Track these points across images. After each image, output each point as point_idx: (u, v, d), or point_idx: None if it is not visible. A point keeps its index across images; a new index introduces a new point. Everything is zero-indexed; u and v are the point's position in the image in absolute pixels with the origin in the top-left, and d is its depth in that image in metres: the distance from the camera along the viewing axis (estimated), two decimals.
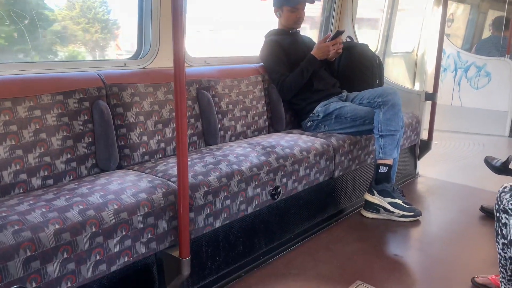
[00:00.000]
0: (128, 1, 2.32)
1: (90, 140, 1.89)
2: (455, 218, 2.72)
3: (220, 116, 2.47)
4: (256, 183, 1.99)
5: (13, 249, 1.23)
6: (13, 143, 1.66)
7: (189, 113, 2.30)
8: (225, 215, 1.86)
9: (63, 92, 1.85)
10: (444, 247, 2.33)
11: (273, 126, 2.82)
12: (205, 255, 1.91)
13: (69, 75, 1.96)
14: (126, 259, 1.52)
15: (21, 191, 1.67)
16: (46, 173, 1.74)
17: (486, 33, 6.09)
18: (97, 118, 1.90)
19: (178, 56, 1.50)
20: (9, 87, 1.72)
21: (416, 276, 2.07)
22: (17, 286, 1.23)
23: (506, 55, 4.91)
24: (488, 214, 2.68)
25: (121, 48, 2.66)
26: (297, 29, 2.98)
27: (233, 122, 2.54)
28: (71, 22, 2.32)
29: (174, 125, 2.15)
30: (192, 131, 2.31)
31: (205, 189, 1.77)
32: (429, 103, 3.42)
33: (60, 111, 1.82)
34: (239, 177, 1.91)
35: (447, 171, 3.70)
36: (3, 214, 1.34)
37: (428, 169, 3.63)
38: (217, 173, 1.86)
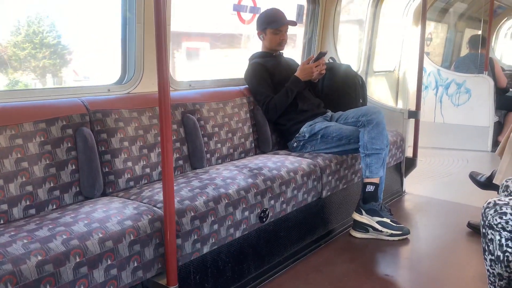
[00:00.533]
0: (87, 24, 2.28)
1: (74, 167, 1.86)
2: (443, 234, 2.74)
3: (206, 139, 2.46)
4: (244, 206, 1.97)
5: None
6: None
7: (174, 137, 2.29)
8: (213, 240, 1.83)
9: (45, 120, 1.82)
10: (434, 264, 2.33)
11: (260, 148, 2.83)
12: (193, 282, 1.87)
13: (51, 102, 1.94)
14: None
15: (2, 222, 1.62)
16: (28, 203, 1.70)
17: (464, 51, 6.27)
18: (81, 145, 1.88)
19: (162, 81, 1.50)
20: None
21: None
22: None
23: (484, 71, 5.05)
24: (475, 230, 2.70)
25: (78, 74, 2.63)
26: (281, 51, 3.02)
27: (219, 145, 2.54)
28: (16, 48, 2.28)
29: (160, 150, 2.14)
30: (177, 155, 2.30)
31: (192, 214, 1.74)
32: (412, 120, 3.47)
33: (42, 139, 1.79)
34: (227, 201, 1.89)
35: (433, 188, 3.74)
36: None
37: (414, 186, 3.66)
38: (204, 197, 1.84)
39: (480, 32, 5.73)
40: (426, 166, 4.37)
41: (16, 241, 1.35)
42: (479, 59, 5.26)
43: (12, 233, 1.41)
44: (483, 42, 5.28)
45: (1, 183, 1.63)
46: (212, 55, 3.80)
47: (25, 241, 1.36)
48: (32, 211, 1.71)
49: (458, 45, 6.92)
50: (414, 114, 3.46)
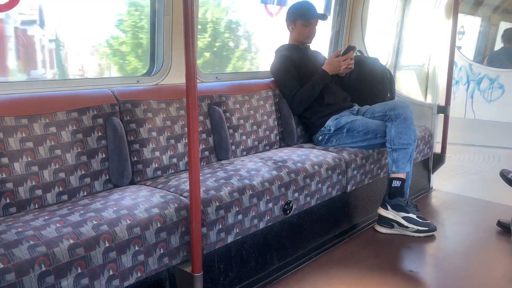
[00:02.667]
0: None
1: (104, 156, 1.92)
2: (471, 233, 2.67)
3: (231, 131, 2.48)
4: (268, 198, 1.98)
5: (28, 264, 1.24)
6: (29, 159, 1.69)
7: (200, 128, 2.32)
8: (237, 230, 1.85)
9: (77, 109, 1.88)
10: (461, 263, 2.28)
11: (284, 141, 2.83)
12: (218, 270, 1.90)
13: (83, 93, 2.00)
14: (139, 275, 1.52)
15: (37, 206, 1.69)
16: (60, 189, 1.77)
17: (498, 45, 6.05)
18: (111, 134, 1.93)
19: (190, 73, 1.53)
20: (26, 105, 1.76)
21: None
22: None
23: None
24: (505, 229, 2.62)
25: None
26: (308, 44, 3.00)
27: (244, 137, 2.55)
28: None
29: (186, 141, 2.18)
30: (203, 146, 2.33)
31: (217, 204, 1.77)
32: (441, 116, 3.39)
33: (74, 128, 1.85)
34: (251, 192, 1.91)
35: (462, 185, 3.64)
36: (19, 229, 1.36)
37: (442, 183, 3.58)
38: (229, 188, 1.86)
39: None
40: (455, 162, 4.26)
41: (50, 225, 1.41)
42: None
43: (46, 217, 1.47)
44: None
45: (36, 169, 1.70)
46: None
47: (58, 225, 1.41)
48: (65, 197, 1.78)
49: (492, 38, 6.67)
50: (443, 109, 3.37)
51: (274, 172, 2.08)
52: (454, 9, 3.32)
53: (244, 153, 2.56)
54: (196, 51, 1.57)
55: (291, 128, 2.82)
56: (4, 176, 1.61)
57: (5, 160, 1.63)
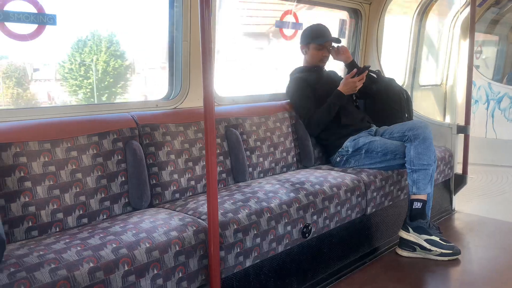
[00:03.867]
0: None
1: (123, 179, 1.94)
2: (497, 256, 2.57)
3: (248, 153, 2.49)
4: (286, 220, 1.96)
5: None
6: (51, 183, 1.72)
7: (218, 151, 2.34)
8: (256, 254, 1.83)
9: (98, 133, 1.92)
10: (488, 287, 2.19)
11: (302, 162, 2.81)
12: None
13: (103, 117, 2.04)
14: None
15: (58, 230, 1.71)
16: (81, 212, 1.79)
17: None
18: (130, 158, 1.96)
19: (207, 96, 1.55)
20: (48, 130, 1.81)
21: None
22: None
23: None
24: None
25: None
26: (323, 66, 3.02)
27: (261, 159, 2.55)
28: None
29: (204, 163, 2.19)
30: (221, 168, 2.34)
31: (235, 226, 1.76)
32: (461, 136, 3.33)
33: (95, 152, 1.88)
34: (269, 215, 1.90)
35: (486, 207, 3.54)
36: (41, 252, 1.38)
37: (464, 204, 3.49)
38: (247, 211, 1.85)
39: None
40: (477, 183, 4.15)
41: (71, 248, 1.42)
42: None
43: (67, 241, 1.49)
44: None
45: (58, 193, 1.73)
46: None
47: (78, 248, 1.42)
48: (85, 220, 1.80)
49: (510, 57, 6.60)
50: (463, 129, 3.32)
51: (292, 195, 2.07)
52: (471, 28, 3.31)
53: (261, 175, 2.55)
54: (213, 75, 1.60)
55: (308, 150, 2.81)
56: (27, 199, 1.65)
57: (28, 184, 1.66)
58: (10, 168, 1.64)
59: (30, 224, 1.64)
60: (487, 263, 2.51)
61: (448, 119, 5.36)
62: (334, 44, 3.02)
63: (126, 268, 1.42)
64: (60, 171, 1.76)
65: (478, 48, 5.96)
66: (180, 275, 1.57)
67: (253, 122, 2.59)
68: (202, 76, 1.55)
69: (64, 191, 1.75)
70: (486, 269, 2.44)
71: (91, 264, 1.36)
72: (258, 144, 2.56)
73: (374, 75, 3.17)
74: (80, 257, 1.38)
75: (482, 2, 5.06)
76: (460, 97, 5.17)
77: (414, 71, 4.51)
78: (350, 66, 3.06)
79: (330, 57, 3.03)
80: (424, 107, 5.09)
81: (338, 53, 3.05)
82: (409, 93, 3.76)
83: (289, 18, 3.27)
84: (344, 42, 3.69)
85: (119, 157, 1.95)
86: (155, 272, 1.50)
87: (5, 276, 1.24)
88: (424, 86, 5.02)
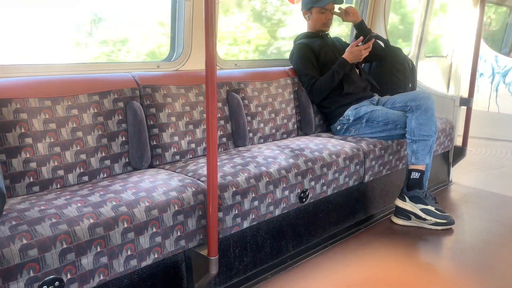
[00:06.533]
0: None
1: (124, 139, 1.95)
2: (490, 227, 2.62)
3: (249, 118, 2.48)
4: (284, 185, 1.99)
5: (50, 241, 1.28)
6: (52, 140, 1.73)
7: (219, 115, 2.33)
8: (253, 216, 1.87)
9: (98, 93, 1.91)
10: (478, 258, 2.25)
11: (302, 129, 2.81)
12: (233, 255, 1.92)
13: (104, 76, 2.02)
14: (156, 256, 1.55)
15: (59, 186, 1.74)
16: (81, 170, 1.81)
17: None
18: (131, 118, 1.96)
19: (209, 59, 1.53)
20: (49, 87, 1.79)
21: (448, 286, 2.01)
22: (53, 276, 1.28)
23: None
24: None
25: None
26: (327, 32, 2.96)
27: (262, 125, 2.55)
28: None
29: (205, 126, 2.19)
30: (221, 133, 2.34)
31: (234, 189, 1.78)
32: (464, 108, 3.32)
33: (95, 111, 1.88)
34: (267, 179, 1.92)
35: (483, 179, 3.57)
36: (42, 207, 1.40)
37: (462, 176, 3.52)
38: (246, 174, 1.87)
39: None
40: (476, 156, 4.17)
41: (71, 204, 1.45)
42: None
43: (68, 197, 1.51)
44: None
45: (59, 150, 1.74)
46: None
47: (79, 204, 1.45)
48: (85, 178, 1.82)
49: None
50: (466, 102, 3.30)
51: (291, 160, 2.08)
52: None
53: (262, 140, 2.56)
54: (216, 38, 1.57)
55: (309, 117, 2.80)
56: (28, 156, 1.66)
57: (29, 140, 1.67)
58: (11, 123, 1.64)
59: (31, 180, 1.66)
60: (480, 234, 2.56)
61: (451, 91, 5.31)
62: (342, 6, 2.96)
63: (126, 225, 1.45)
64: (61, 128, 1.76)
65: (487, 19, 5.82)
66: (179, 234, 1.61)
67: (255, 88, 2.57)
68: (204, 38, 1.53)
69: (65, 148, 1.76)
70: (477, 239, 2.50)
71: (91, 220, 1.39)
72: (259, 109, 2.55)
73: (382, 43, 3.12)
74: (81, 213, 1.40)
75: None
76: (465, 69, 5.10)
77: (421, 41, 4.42)
78: (359, 27, 3.01)
79: (335, 22, 2.97)
80: (429, 78, 5.04)
81: (347, 14, 2.99)
82: (415, 63, 3.71)
83: None
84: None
85: (120, 117, 1.95)
86: (154, 230, 1.53)
87: (7, 229, 1.27)
88: (429, 56, 4.94)
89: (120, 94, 1.97)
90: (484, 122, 4.81)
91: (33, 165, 1.67)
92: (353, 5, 3.57)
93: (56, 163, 1.73)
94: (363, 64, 3.13)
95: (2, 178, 1.37)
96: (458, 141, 3.39)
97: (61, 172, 1.74)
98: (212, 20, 1.51)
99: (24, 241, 1.25)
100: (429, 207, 2.51)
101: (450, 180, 3.45)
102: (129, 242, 1.46)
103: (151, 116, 2.06)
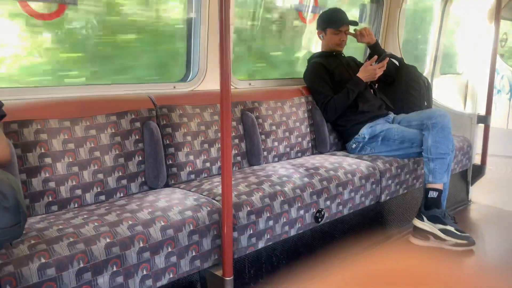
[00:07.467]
0: None
1: (140, 158, 1.98)
2: None
3: (263, 137, 2.49)
4: (299, 204, 1.97)
5: (67, 260, 1.30)
6: (70, 160, 1.76)
7: (233, 134, 2.35)
8: (268, 236, 1.85)
9: (116, 113, 1.95)
10: (501, 279, 2.17)
11: (317, 148, 2.81)
12: (248, 275, 1.91)
13: (121, 97, 2.07)
14: (171, 276, 1.55)
15: (76, 205, 1.76)
16: (99, 189, 1.83)
17: None
18: (148, 138, 1.99)
19: (224, 79, 1.55)
20: (68, 108, 1.84)
21: None
22: None
23: None
24: None
25: None
26: (341, 51, 2.98)
27: (276, 143, 2.56)
28: None
29: (219, 145, 2.21)
30: (236, 151, 2.35)
31: (248, 208, 1.78)
32: (481, 126, 3.27)
33: (113, 131, 1.92)
34: (282, 198, 1.91)
35: (503, 199, 3.48)
36: (60, 226, 1.42)
37: (481, 196, 3.44)
38: (260, 193, 1.87)
39: None
40: (496, 175, 4.08)
41: (88, 223, 1.46)
42: None
43: (85, 216, 1.53)
44: None
45: (77, 170, 1.77)
46: None
47: (96, 224, 1.47)
48: (102, 197, 1.84)
49: None
50: (483, 119, 3.25)
51: (306, 179, 2.07)
52: (496, 15, 3.21)
53: (276, 159, 2.56)
54: (230, 59, 1.60)
55: (324, 136, 2.80)
56: (47, 175, 1.69)
57: (48, 160, 1.71)
58: (32, 144, 1.68)
59: (50, 199, 1.69)
60: (502, 255, 2.49)
61: (468, 109, 5.24)
62: (357, 28, 2.98)
63: (141, 244, 1.46)
64: (79, 148, 1.80)
65: (503, 36, 5.77)
66: (194, 253, 1.60)
67: (269, 106, 2.58)
68: (219, 59, 1.55)
69: (83, 168, 1.79)
70: (499, 260, 2.42)
71: (108, 240, 1.40)
72: (274, 128, 2.56)
73: (397, 62, 3.12)
74: (97, 232, 1.42)
75: None
76: (482, 86, 5.04)
77: (436, 58, 4.41)
78: (373, 47, 3.02)
79: (349, 40, 2.99)
80: (445, 95, 4.99)
81: (362, 36, 3.01)
82: (430, 81, 3.69)
83: (309, 1, 3.22)
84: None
85: (137, 137, 1.98)
86: (169, 250, 1.53)
87: (26, 248, 1.29)
88: (445, 74, 4.91)
89: (138, 115, 2.01)
90: (504, 140, 4.72)
91: (52, 184, 1.70)
92: (367, 25, 3.60)
93: (74, 183, 1.76)
94: (376, 85, 3.12)
95: (23, 197, 1.40)
96: (477, 160, 3.33)
97: (79, 192, 1.77)
98: (227, 42, 1.54)
99: (43, 260, 1.26)
100: (448, 227, 2.45)
101: (469, 199, 3.37)
102: (144, 261, 1.47)
103: (167, 136, 2.08)
